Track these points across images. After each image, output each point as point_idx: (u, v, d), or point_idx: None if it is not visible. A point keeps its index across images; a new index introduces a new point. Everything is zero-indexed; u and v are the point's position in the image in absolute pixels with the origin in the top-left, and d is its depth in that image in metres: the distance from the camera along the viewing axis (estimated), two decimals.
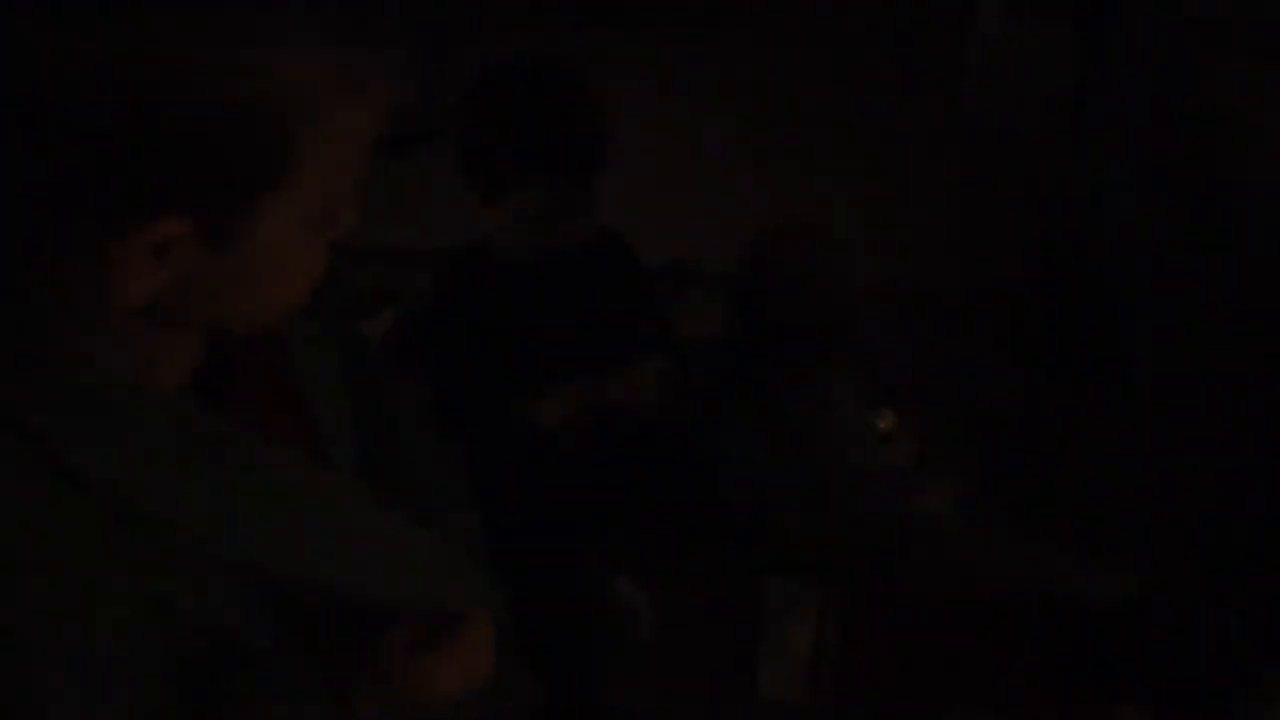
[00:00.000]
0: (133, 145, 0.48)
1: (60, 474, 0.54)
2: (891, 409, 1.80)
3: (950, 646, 1.73)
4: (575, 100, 1.35)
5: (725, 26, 3.60)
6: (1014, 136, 2.70)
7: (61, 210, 0.51)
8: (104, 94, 0.47)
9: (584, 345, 1.50)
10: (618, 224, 1.58)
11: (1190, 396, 1.86)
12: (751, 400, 1.65)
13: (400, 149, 3.24)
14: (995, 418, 2.08)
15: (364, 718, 0.66)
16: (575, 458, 1.51)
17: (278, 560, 0.62)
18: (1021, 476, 1.95)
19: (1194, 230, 1.90)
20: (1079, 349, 2.08)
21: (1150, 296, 1.94)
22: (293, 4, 0.52)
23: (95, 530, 0.55)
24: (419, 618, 0.69)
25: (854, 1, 3.59)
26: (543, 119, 1.32)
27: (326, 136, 0.55)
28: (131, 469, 0.56)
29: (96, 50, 0.46)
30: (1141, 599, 1.79)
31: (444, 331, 1.47)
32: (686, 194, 2.78)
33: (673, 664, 1.54)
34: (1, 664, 0.53)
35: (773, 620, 1.60)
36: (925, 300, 2.34)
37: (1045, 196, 2.37)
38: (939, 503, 1.82)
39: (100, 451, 0.55)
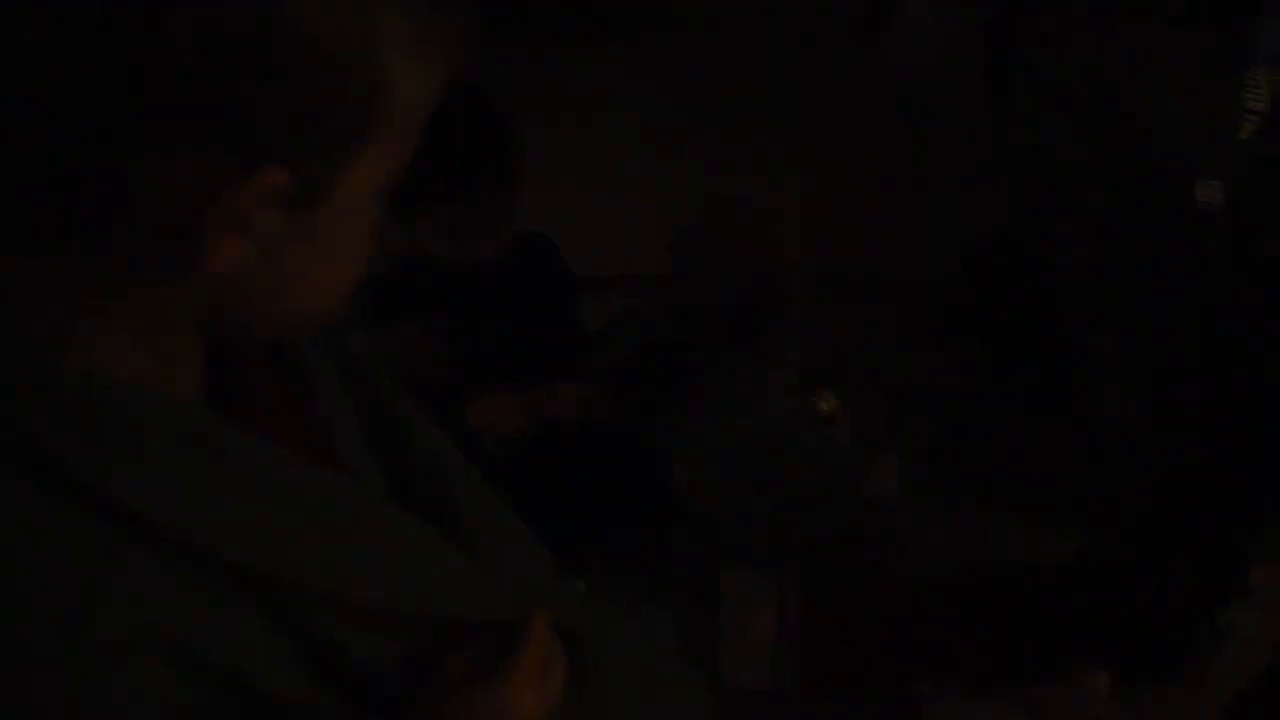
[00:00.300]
0: (247, 80, 0.44)
1: (70, 493, 0.48)
2: (833, 391, 1.83)
3: (911, 622, 1.75)
4: (478, 125, 1.35)
5: (650, 31, 3.63)
6: (938, 119, 2.75)
7: (165, 159, 0.45)
8: (210, 25, 0.42)
9: (514, 349, 1.51)
10: (555, 229, 1.59)
11: (1120, 363, 1.90)
12: (692, 388, 1.66)
13: None
14: (936, 396, 2.12)
15: None
16: (518, 461, 1.52)
17: (310, 580, 0.55)
18: (964, 451, 1.98)
19: (1110, 197, 1.95)
20: (1013, 324, 2.12)
21: (1076, 268, 1.98)
22: None
23: (108, 560, 0.48)
24: (473, 636, 0.62)
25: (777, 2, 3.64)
26: (443, 147, 1.32)
27: (410, 97, 0.51)
28: (150, 485, 0.50)
29: None
30: (1087, 557, 1.83)
31: (381, 336, 1.48)
32: (620, 199, 2.80)
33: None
34: None
35: (732, 609, 1.61)
36: (863, 286, 2.38)
37: (971, 176, 2.42)
38: (885, 481, 1.84)
39: (117, 467, 0.49)
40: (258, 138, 0.46)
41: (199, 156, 0.45)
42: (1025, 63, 2.32)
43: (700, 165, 2.98)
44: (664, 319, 1.68)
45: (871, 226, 2.58)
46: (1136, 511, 1.71)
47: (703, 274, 1.62)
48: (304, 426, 0.67)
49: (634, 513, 1.63)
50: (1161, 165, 1.83)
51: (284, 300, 0.55)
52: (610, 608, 0.97)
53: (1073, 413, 1.85)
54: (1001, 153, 2.36)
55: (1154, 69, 1.97)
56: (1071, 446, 1.83)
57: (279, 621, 0.54)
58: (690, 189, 2.80)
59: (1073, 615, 1.81)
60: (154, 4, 0.42)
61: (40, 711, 0.46)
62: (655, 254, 1.95)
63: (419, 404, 1.48)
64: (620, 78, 3.45)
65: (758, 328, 1.66)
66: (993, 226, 2.34)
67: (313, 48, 0.45)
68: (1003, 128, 2.38)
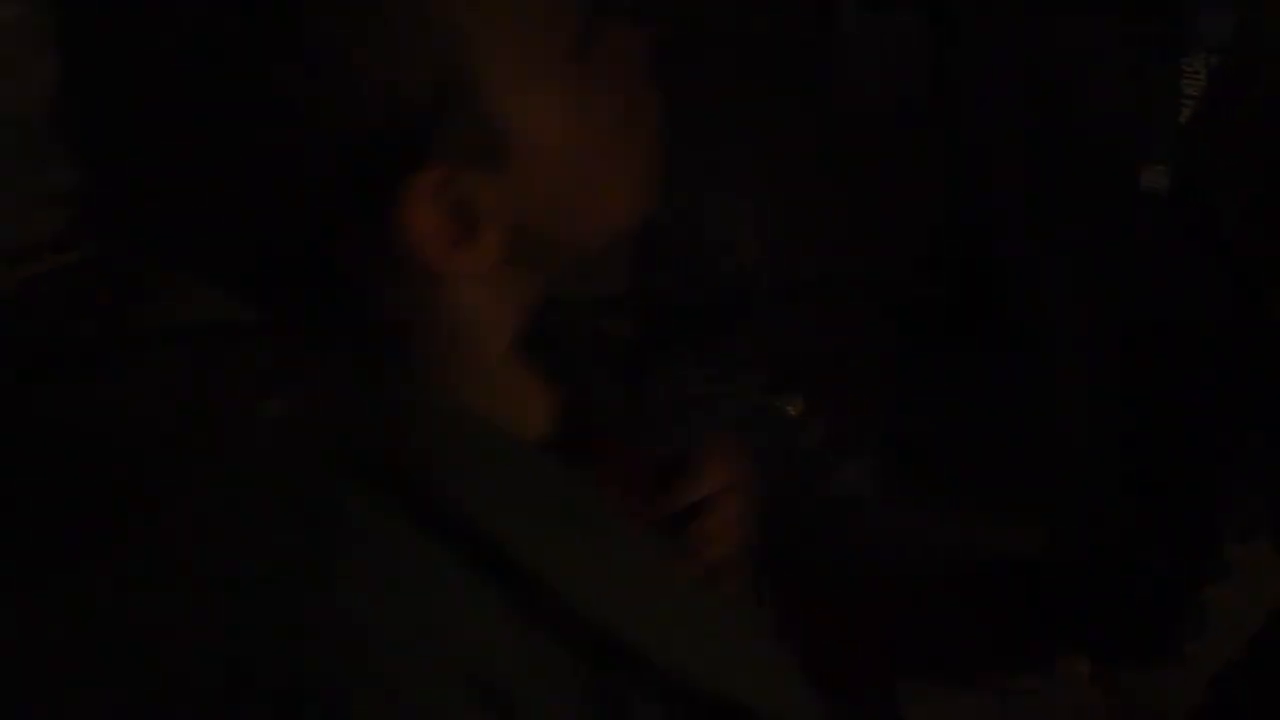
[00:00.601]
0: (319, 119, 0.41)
1: (436, 522, 0.44)
2: (800, 394, 1.83)
3: (887, 621, 1.74)
4: None
5: None
6: (884, 124, 2.78)
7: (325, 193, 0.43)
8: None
9: None
10: None
11: (1077, 349, 1.92)
12: (655, 394, 1.66)
13: None
14: (903, 394, 2.12)
15: None
16: None
17: (645, 646, 0.49)
18: (933, 448, 1.98)
19: (1056, 185, 1.97)
20: (968, 315, 2.14)
21: (1026, 256, 2.00)
22: None
23: (471, 598, 0.44)
24: None
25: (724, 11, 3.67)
26: None
27: None
28: (513, 522, 0.46)
29: None
30: (1059, 545, 1.83)
31: None
32: None
33: None
34: None
35: None
36: (825, 287, 2.39)
37: (921, 177, 2.45)
38: (857, 482, 1.84)
39: (483, 500, 0.45)
40: (366, 167, 0.42)
41: (343, 210, 0.43)
42: (964, 59, 2.35)
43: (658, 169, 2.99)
44: (625, 323, 1.67)
45: (830, 226, 2.61)
46: (1104, 496, 1.72)
47: (662, 278, 1.62)
48: (635, 472, 0.63)
49: None
50: (1104, 152, 1.85)
51: (566, 232, 0.50)
52: None
53: (1033, 402, 1.86)
54: (950, 149, 2.39)
55: (1092, 59, 2.00)
56: (1035, 435, 1.84)
57: (595, 682, 0.49)
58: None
59: (1049, 604, 1.82)
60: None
61: None
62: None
63: None
64: None
65: (721, 332, 1.66)
66: (944, 220, 2.36)
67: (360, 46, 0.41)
68: (948, 124, 2.41)
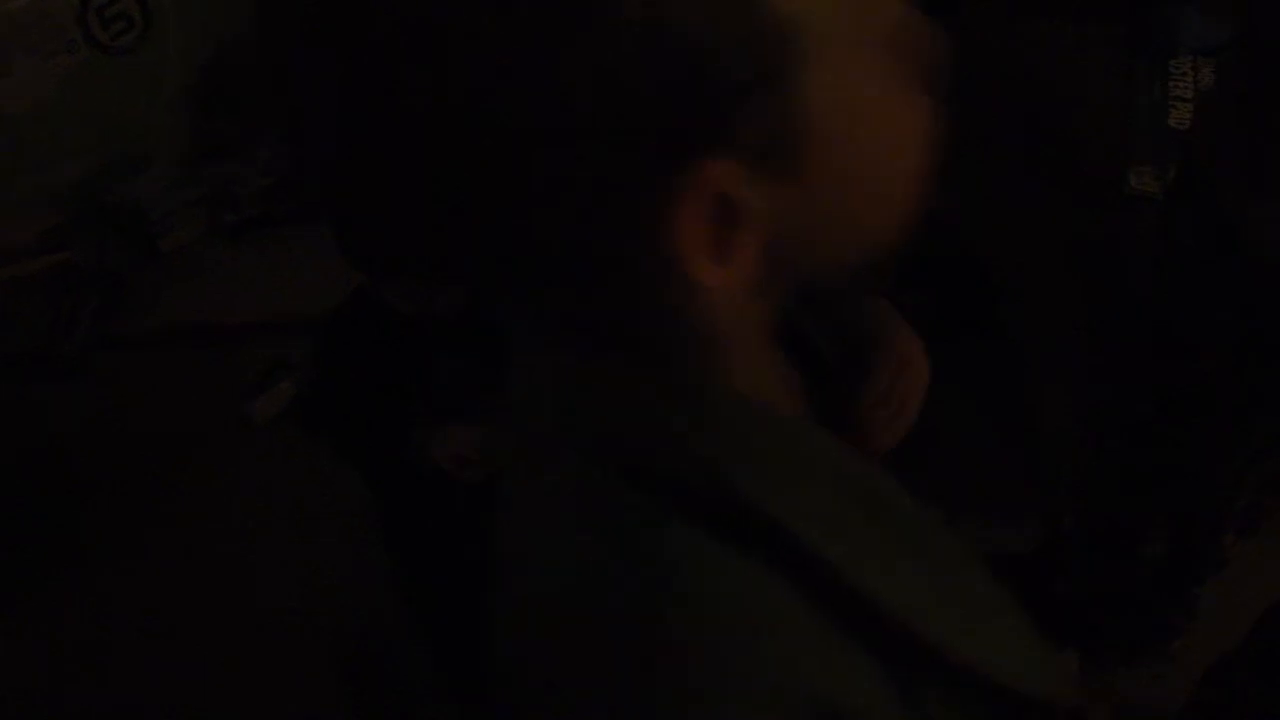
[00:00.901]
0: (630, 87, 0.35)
1: (740, 526, 0.41)
2: None
3: None
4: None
5: None
6: None
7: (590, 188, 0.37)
8: None
9: (468, 381, 1.49)
10: None
11: (1063, 345, 1.93)
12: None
13: (283, 222, 3.22)
14: None
15: None
16: (486, 496, 1.49)
17: (949, 643, 0.46)
18: (921, 447, 1.99)
19: (1041, 186, 1.98)
20: (957, 316, 2.16)
21: (1011, 257, 2.01)
22: None
23: (780, 607, 0.41)
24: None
25: None
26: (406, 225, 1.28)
27: None
28: (818, 521, 0.42)
29: None
30: (1051, 542, 1.83)
31: (341, 376, 1.45)
32: None
33: None
34: None
35: None
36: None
37: None
38: None
39: (787, 501, 0.42)
40: (686, 129, 0.36)
41: (613, 195, 0.37)
42: (954, 60, 2.36)
43: None
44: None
45: None
46: (1099, 493, 1.72)
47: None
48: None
49: None
50: (1090, 154, 1.87)
51: (832, 249, 0.45)
52: None
53: (1022, 397, 1.87)
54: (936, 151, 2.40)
55: (1074, 62, 2.02)
56: (1025, 431, 1.84)
57: (909, 689, 0.46)
58: None
59: (1038, 599, 1.81)
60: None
61: None
62: None
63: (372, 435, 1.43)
64: None
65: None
66: (929, 221, 2.37)
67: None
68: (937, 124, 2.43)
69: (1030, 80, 2.05)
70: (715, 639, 0.40)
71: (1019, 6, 2.12)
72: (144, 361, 2.72)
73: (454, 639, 1.58)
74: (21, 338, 2.73)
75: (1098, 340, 1.76)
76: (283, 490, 2.19)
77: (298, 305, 2.42)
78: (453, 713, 1.66)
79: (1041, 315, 1.92)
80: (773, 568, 0.41)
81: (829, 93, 0.39)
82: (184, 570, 2.12)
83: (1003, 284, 2.01)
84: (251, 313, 2.84)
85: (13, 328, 2.72)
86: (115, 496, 2.27)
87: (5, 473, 2.28)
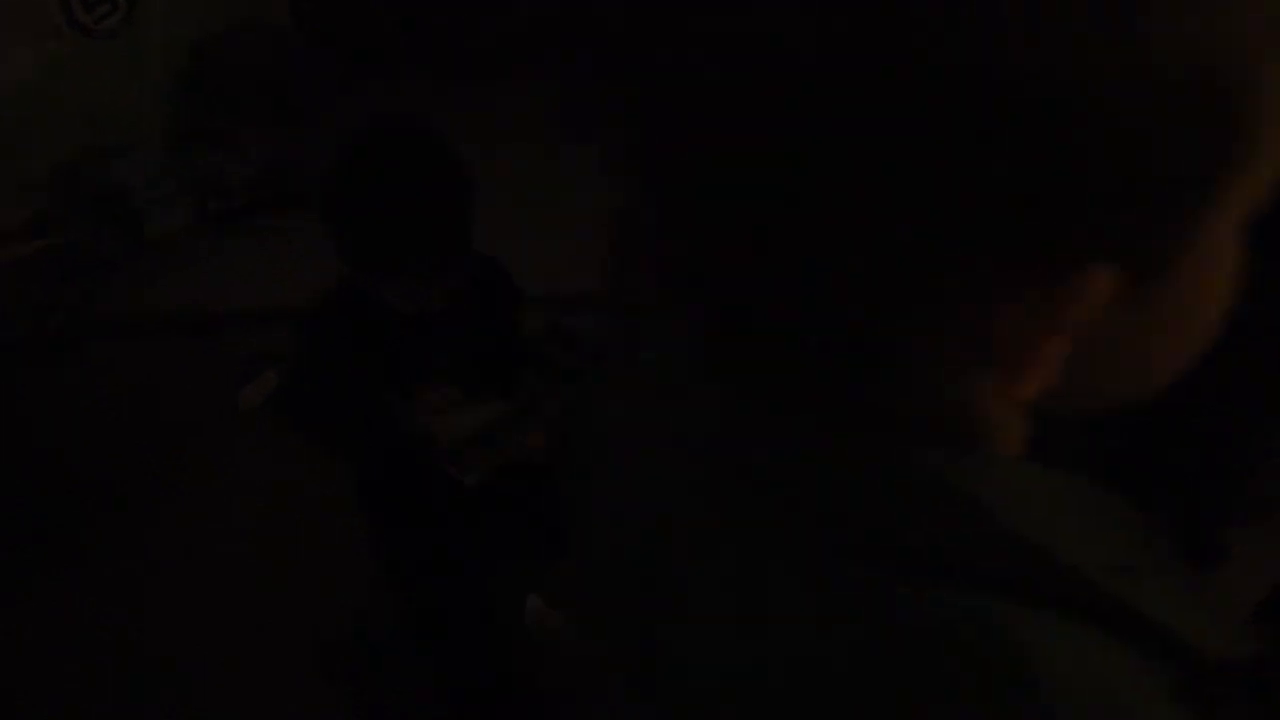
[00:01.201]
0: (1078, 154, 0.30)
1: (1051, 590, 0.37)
2: None
3: None
4: (440, 209, 1.29)
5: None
6: None
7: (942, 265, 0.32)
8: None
9: (459, 370, 1.48)
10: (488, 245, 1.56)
11: None
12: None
13: (269, 211, 3.19)
14: None
15: None
16: (485, 494, 1.49)
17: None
18: None
19: None
20: None
21: None
22: None
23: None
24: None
25: None
26: (404, 228, 1.26)
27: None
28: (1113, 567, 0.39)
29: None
30: None
31: (326, 362, 1.43)
32: (556, 223, 2.79)
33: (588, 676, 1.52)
34: None
35: None
36: None
37: None
38: None
39: (1088, 553, 0.38)
40: (1068, 243, 0.32)
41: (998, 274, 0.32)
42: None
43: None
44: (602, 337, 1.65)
45: None
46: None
47: (638, 292, 1.59)
48: None
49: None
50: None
51: (1110, 382, 0.41)
52: None
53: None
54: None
55: None
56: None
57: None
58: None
59: None
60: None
61: None
62: (591, 271, 1.93)
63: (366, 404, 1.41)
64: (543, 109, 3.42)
65: None
66: None
67: (1166, 80, 0.30)
68: None
69: None
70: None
71: None
72: (134, 351, 2.70)
73: (447, 616, 1.57)
74: (7, 322, 2.71)
75: None
76: (276, 478, 2.19)
77: (284, 294, 2.41)
78: (446, 708, 1.65)
79: None
80: (1106, 633, 0.38)
81: (1210, 233, 0.35)
82: (178, 558, 2.10)
83: None
84: (238, 301, 2.81)
85: None
86: (109, 487, 2.26)
87: None
